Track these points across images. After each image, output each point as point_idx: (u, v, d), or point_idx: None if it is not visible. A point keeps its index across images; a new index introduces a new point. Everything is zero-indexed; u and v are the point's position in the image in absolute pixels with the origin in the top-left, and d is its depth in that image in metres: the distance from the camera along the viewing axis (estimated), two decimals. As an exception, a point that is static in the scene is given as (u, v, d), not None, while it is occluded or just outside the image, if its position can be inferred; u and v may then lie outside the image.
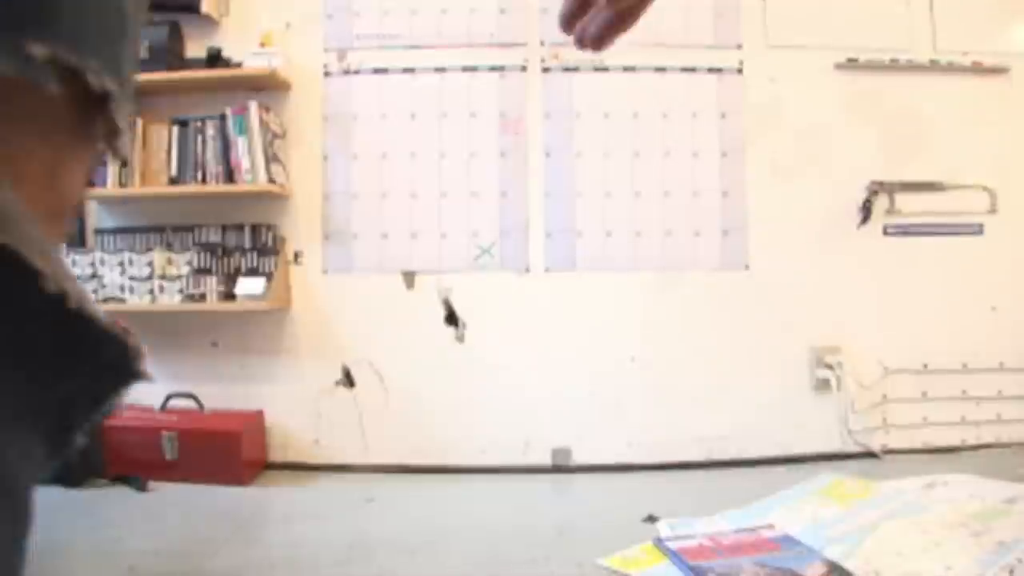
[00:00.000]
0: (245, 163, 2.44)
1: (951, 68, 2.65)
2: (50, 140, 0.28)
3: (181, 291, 2.49)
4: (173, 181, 2.50)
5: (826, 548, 1.63)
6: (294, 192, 2.60)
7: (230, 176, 2.46)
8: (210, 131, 2.48)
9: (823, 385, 2.59)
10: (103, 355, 0.29)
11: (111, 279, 2.50)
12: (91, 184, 2.49)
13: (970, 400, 2.63)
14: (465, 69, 2.57)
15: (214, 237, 2.60)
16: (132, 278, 2.50)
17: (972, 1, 2.68)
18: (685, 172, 2.60)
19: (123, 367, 0.30)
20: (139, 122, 2.54)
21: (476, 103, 2.56)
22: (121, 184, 2.50)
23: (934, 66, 2.64)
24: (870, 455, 2.57)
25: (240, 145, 2.44)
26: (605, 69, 2.59)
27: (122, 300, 2.50)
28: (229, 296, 2.52)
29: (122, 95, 0.29)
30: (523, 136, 2.57)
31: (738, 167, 2.60)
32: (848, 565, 1.54)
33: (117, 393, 0.30)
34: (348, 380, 2.58)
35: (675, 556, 1.62)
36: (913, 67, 2.64)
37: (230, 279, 2.54)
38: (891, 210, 2.62)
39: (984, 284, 2.67)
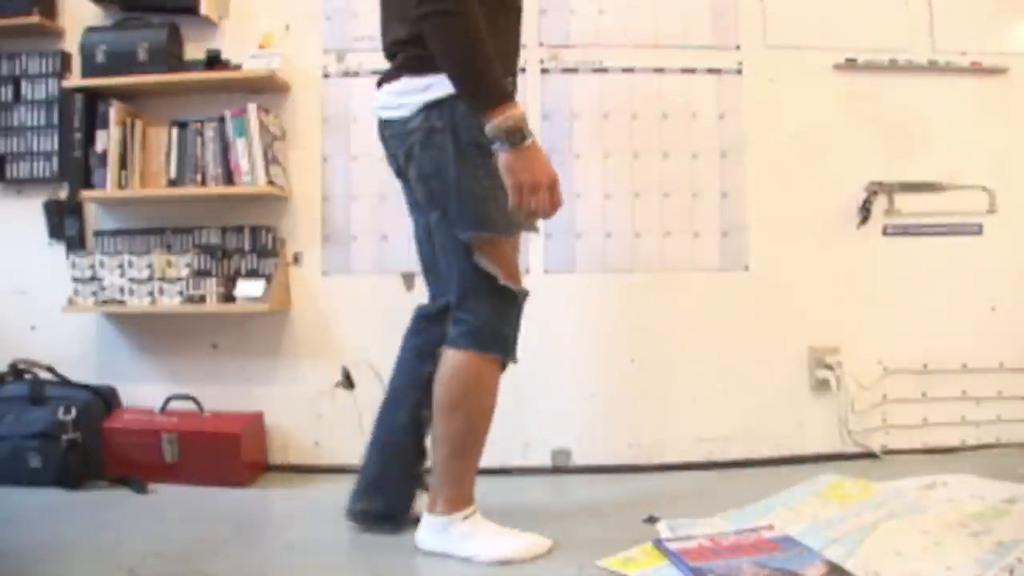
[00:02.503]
0: (244, 165, 2.44)
1: (950, 68, 2.65)
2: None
3: (181, 293, 2.49)
4: (172, 183, 2.50)
5: (826, 549, 1.64)
6: (293, 194, 2.60)
7: (229, 178, 2.46)
8: (209, 133, 2.48)
9: (823, 385, 2.59)
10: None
11: (111, 281, 2.50)
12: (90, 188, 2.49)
13: (970, 400, 2.63)
14: (464, 70, 2.56)
15: (214, 239, 2.60)
16: (132, 280, 2.50)
17: (971, 1, 2.68)
18: (684, 173, 2.60)
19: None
20: (138, 124, 2.54)
21: (475, 104, 2.55)
22: (120, 186, 2.50)
23: (933, 66, 2.64)
24: (870, 455, 2.57)
25: (239, 147, 2.44)
26: (604, 70, 2.59)
27: (122, 302, 2.50)
28: (229, 298, 2.52)
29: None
30: (522, 137, 2.56)
31: (737, 168, 2.60)
32: (848, 566, 1.54)
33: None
34: (348, 382, 2.58)
35: (675, 557, 1.62)
36: (912, 67, 2.64)
37: (230, 281, 2.54)
38: (890, 210, 2.62)
39: (984, 284, 2.67)
